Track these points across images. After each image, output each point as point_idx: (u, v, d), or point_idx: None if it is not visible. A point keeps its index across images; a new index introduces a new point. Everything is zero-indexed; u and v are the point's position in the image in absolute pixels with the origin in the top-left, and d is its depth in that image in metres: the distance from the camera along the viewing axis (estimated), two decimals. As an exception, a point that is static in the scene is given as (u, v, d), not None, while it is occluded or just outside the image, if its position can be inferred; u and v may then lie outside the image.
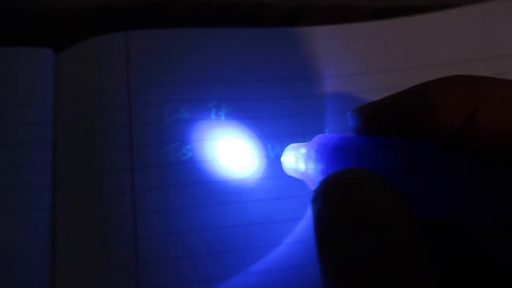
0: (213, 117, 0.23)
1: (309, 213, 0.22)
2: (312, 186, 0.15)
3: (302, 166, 0.16)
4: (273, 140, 0.23)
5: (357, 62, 0.25)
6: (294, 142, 0.18)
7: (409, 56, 0.26)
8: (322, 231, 0.12)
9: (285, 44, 0.25)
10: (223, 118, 0.23)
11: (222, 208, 0.22)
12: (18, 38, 0.25)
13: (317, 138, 0.15)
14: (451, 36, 0.26)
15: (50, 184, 0.22)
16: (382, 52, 0.26)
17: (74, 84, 0.23)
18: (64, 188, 0.22)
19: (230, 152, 0.23)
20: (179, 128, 0.23)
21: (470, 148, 0.12)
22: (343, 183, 0.12)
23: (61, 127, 0.23)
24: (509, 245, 0.13)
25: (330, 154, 0.14)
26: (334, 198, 0.12)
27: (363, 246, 0.11)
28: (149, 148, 0.22)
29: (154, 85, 0.23)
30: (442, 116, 0.13)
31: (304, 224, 0.22)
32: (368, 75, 0.25)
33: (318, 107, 0.24)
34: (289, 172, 0.18)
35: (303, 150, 0.16)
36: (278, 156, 0.23)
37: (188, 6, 0.26)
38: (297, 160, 0.17)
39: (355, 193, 0.12)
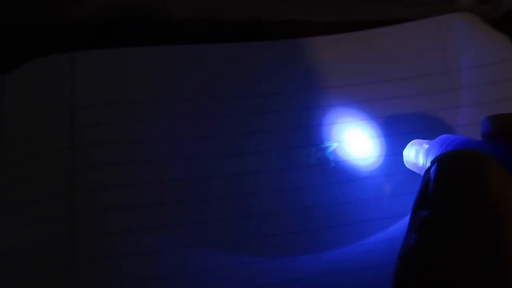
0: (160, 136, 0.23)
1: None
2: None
3: (421, 160, 0.17)
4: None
5: (310, 76, 0.25)
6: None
7: (367, 70, 0.26)
8: (424, 191, 0.13)
9: (240, 59, 0.25)
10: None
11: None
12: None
13: (442, 137, 0.16)
14: (406, 50, 0.26)
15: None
16: (338, 67, 0.25)
17: (18, 106, 0.23)
18: (3, 209, 0.21)
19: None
20: (124, 150, 0.22)
21: None
22: (459, 156, 0.13)
23: (6, 147, 0.22)
24: None
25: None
26: (445, 165, 0.13)
27: (457, 210, 0.11)
28: (91, 170, 0.22)
29: (99, 106, 0.23)
30: None
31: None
32: (326, 90, 0.25)
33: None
34: (409, 166, 0.19)
35: (426, 146, 0.17)
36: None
37: (145, 24, 0.26)
38: (417, 154, 0.18)
39: (467, 164, 0.12)
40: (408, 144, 0.19)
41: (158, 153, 0.22)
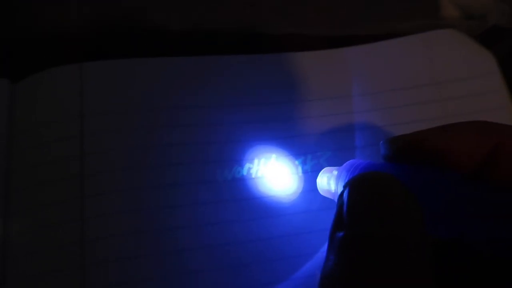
0: (163, 142, 0.24)
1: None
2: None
3: (333, 187, 0.18)
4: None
5: (304, 88, 0.27)
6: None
7: (359, 83, 0.27)
8: (339, 214, 0.14)
9: (239, 70, 0.26)
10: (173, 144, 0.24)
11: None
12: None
13: (348, 162, 0.17)
14: (394, 65, 0.28)
15: (2, 213, 0.22)
16: (329, 79, 0.27)
17: (29, 114, 0.24)
18: (17, 216, 0.22)
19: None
20: (132, 155, 0.23)
21: (493, 180, 0.14)
22: (366, 179, 0.14)
23: (16, 155, 0.23)
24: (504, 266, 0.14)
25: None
26: (355, 188, 0.14)
27: (371, 230, 0.12)
28: (100, 176, 0.23)
29: (107, 114, 0.24)
30: (459, 156, 0.14)
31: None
32: (317, 101, 0.26)
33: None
34: (323, 193, 0.19)
35: (335, 172, 0.18)
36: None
37: (147, 35, 0.27)
38: (329, 181, 0.19)
39: (374, 186, 0.14)
40: (320, 172, 0.20)
41: (164, 159, 0.24)
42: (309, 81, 0.27)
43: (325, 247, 0.24)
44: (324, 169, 0.20)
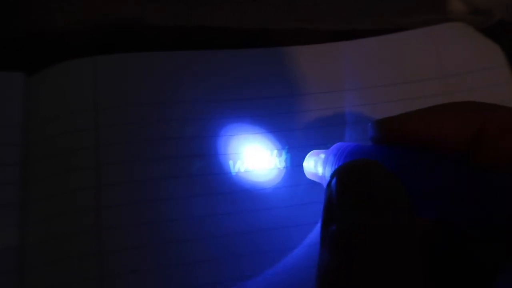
0: (180, 136, 0.24)
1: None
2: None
3: (320, 170, 0.18)
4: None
5: (310, 82, 0.27)
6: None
7: (363, 77, 0.28)
8: (329, 206, 0.14)
9: (248, 65, 0.27)
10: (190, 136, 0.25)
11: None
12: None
13: (335, 145, 0.17)
14: (402, 58, 0.28)
15: (19, 203, 0.23)
16: (334, 73, 0.27)
17: (44, 107, 0.25)
18: (33, 207, 0.23)
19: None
20: (146, 147, 0.24)
21: (482, 164, 0.14)
22: (353, 168, 0.14)
23: (31, 148, 0.24)
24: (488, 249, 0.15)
25: (347, 158, 0.16)
26: (343, 178, 0.14)
27: (362, 221, 0.12)
28: (115, 167, 0.23)
29: (121, 107, 0.24)
30: (442, 138, 0.14)
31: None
32: (323, 94, 0.27)
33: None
34: (309, 176, 0.19)
35: (322, 155, 0.18)
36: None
37: (155, 31, 0.28)
38: (316, 164, 0.18)
39: (362, 175, 0.14)
40: (307, 155, 0.19)
41: (177, 151, 0.24)
42: (306, 75, 0.27)
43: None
44: (311, 152, 0.19)
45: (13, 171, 0.23)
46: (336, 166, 0.16)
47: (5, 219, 0.22)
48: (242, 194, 0.24)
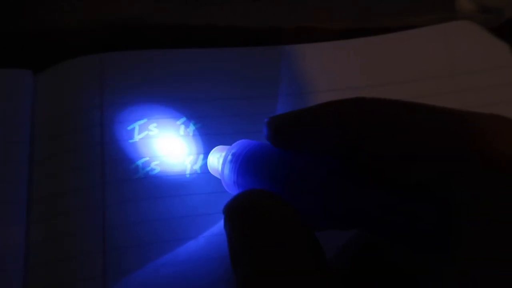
0: (181, 133, 0.24)
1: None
2: (227, 189, 0.16)
3: (220, 168, 0.17)
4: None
5: (322, 79, 0.27)
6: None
7: (373, 74, 0.27)
8: (231, 249, 0.13)
9: (254, 63, 0.27)
10: (191, 134, 0.24)
11: (192, 220, 0.23)
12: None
13: (236, 144, 0.16)
14: (411, 56, 0.28)
15: (25, 200, 0.23)
16: (347, 70, 0.27)
17: (52, 104, 0.25)
18: (38, 204, 0.23)
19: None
20: (148, 144, 0.24)
21: (368, 167, 0.13)
22: (242, 208, 0.14)
23: (38, 145, 0.24)
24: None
25: (241, 166, 0.15)
26: (235, 221, 0.14)
27: (258, 264, 0.12)
28: (119, 164, 0.23)
29: (126, 104, 0.24)
30: (329, 137, 0.13)
31: None
32: (326, 93, 0.27)
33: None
34: (212, 172, 0.19)
35: (223, 153, 0.17)
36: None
37: (157, 30, 0.28)
38: (219, 162, 0.17)
39: (251, 216, 0.13)
40: (212, 150, 0.19)
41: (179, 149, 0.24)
42: (315, 73, 0.27)
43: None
44: (216, 147, 0.18)
45: (21, 169, 0.23)
46: (233, 174, 0.16)
47: (12, 217, 0.22)
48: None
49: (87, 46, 0.27)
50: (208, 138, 0.24)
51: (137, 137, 0.24)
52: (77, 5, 0.28)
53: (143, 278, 0.22)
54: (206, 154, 0.24)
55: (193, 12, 0.28)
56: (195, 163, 0.24)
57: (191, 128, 0.24)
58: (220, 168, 0.17)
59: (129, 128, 0.24)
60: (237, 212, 0.14)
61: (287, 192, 0.13)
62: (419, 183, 0.12)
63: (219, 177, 0.18)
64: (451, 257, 0.10)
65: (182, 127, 0.24)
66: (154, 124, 0.24)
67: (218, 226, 0.23)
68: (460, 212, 0.10)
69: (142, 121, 0.24)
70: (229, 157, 0.16)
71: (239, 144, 0.16)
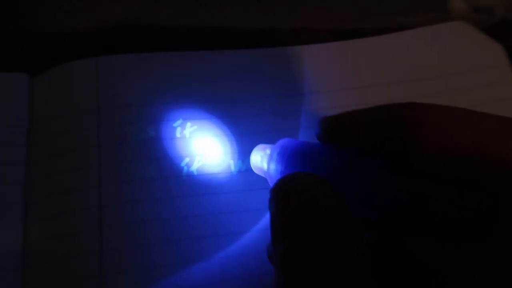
0: (178, 135, 0.25)
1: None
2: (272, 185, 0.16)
3: (265, 165, 0.18)
4: (242, 156, 0.25)
5: (315, 80, 0.27)
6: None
7: (367, 75, 0.28)
8: (273, 227, 0.14)
9: (251, 65, 0.27)
10: (187, 137, 0.25)
11: (191, 220, 0.23)
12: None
13: (281, 141, 0.17)
14: (405, 56, 0.28)
15: (23, 202, 0.23)
16: (339, 71, 0.27)
17: (49, 106, 0.25)
18: (35, 204, 0.23)
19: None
20: (146, 147, 0.24)
21: (419, 165, 0.13)
22: (289, 187, 0.14)
23: (34, 147, 0.24)
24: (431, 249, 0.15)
25: (289, 157, 0.16)
26: (281, 199, 0.14)
27: (303, 242, 0.12)
28: (116, 165, 0.24)
29: (123, 107, 0.25)
30: (374, 141, 0.14)
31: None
32: (326, 93, 0.27)
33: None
34: (255, 170, 0.19)
35: (268, 151, 0.18)
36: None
37: (156, 31, 0.28)
38: (262, 159, 0.18)
39: (298, 194, 0.13)
40: (254, 149, 0.19)
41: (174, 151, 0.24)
42: (308, 74, 0.27)
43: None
44: (258, 146, 0.19)
45: (18, 171, 0.23)
46: (280, 165, 0.16)
47: (10, 218, 0.23)
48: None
49: (86, 47, 0.27)
50: (208, 139, 0.25)
51: (134, 139, 0.24)
52: (77, 5, 0.28)
53: (141, 279, 0.22)
54: (203, 155, 0.24)
55: (193, 12, 0.29)
56: (192, 164, 0.24)
57: (187, 130, 0.25)
58: (265, 164, 0.17)
59: (125, 130, 0.24)
60: (285, 190, 0.14)
61: (332, 183, 0.14)
62: (465, 174, 0.12)
63: (263, 175, 0.18)
64: (492, 243, 0.11)
65: (179, 129, 0.25)
66: (151, 127, 0.24)
67: (215, 227, 0.23)
68: (505, 199, 0.11)
69: (138, 124, 0.24)
70: (277, 150, 0.16)
71: (285, 140, 0.17)
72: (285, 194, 0.14)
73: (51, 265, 0.22)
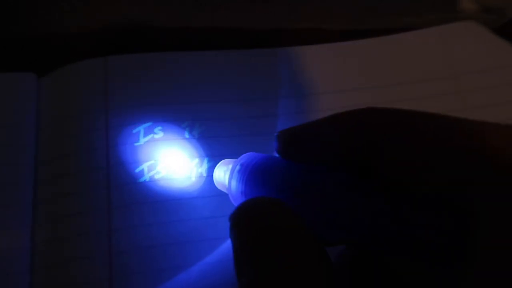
0: (187, 136, 0.24)
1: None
2: (234, 202, 0.16)
3: (227, 182, 0.16)
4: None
5: (320, 81, 0.27)
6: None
7: (376, 76, 0.27)
8: (234, 257, 0.13)
9: (258, 65, 0.27)
10: (196, 137, 0.24)
11: (198, 223, 0.23)
12: (3, 64, 0.26)
13: (242, 157, 0.16)
14: (414, 57, 0.28)
15: (31, 203, 0.23)
16: (347, 72, 0.27)
17: (56, 107, 0.25)
18: (44, 206, 0.23)
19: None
20: (153, 148, 0.24)
21: (381, 177, 0.12)
22: (247, 215, 0.13)
23: (43, 147, 0.24)
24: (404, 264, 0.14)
25: (249, 175, 0.15)
26: (239, 229, 0.13)
27: (263, 272, 0.12)
28: (125, 167, 0.23)
29: (131, 108, 0.24)
30: (339, 149, 0.13)
31: None
32: (327, 94, 0.27)
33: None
34: (218, 186, 0.18)
35: (230, 165, 0.17)
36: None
37: (164, 31, 0.28)
38: (225, 175, 0.17)
39: (256, 224, 0.13)
40: (218, 164, 0.18)
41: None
42: (316, 74, 0.27)
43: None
44: (222, 161, 0.18)
45: (26, 171, 0.23)
46: (241, 184, 0.15)
47: (18, 219, 0.22)
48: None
49: (89, 48, 0.27)
50: (213, 141, 0.25)
51: (142, 140, 0.24)
52: (77, 5, 0.28)
53: (148, 281, 0.22)
54: (210, 157, 0.24)
55: (194, 13, 0.28)
56: (201, 166, 0.24)
57: (196, 131, 0.25)
58: (227, 180, 0.16)
59: (134, 131, 0.24)
60: (244, 219, 0.13)
61: (294, 203, 0.13)
62: (434, 192, 0.11)
63: (225, 191, 0.17)
64: (467, 267, 0.10)
65: (187, 130, 0.24)
66: (159, 127, 0.24)
67: (222, 230, 0.23)
68: (480, 220, 0.10)
69: (147, 124, 0.24)
70: (237, 167, 0.16)
71: (247, 156, 0.16)
72: (244, 225, 0.13)
73: (59, 267, 0.22)
